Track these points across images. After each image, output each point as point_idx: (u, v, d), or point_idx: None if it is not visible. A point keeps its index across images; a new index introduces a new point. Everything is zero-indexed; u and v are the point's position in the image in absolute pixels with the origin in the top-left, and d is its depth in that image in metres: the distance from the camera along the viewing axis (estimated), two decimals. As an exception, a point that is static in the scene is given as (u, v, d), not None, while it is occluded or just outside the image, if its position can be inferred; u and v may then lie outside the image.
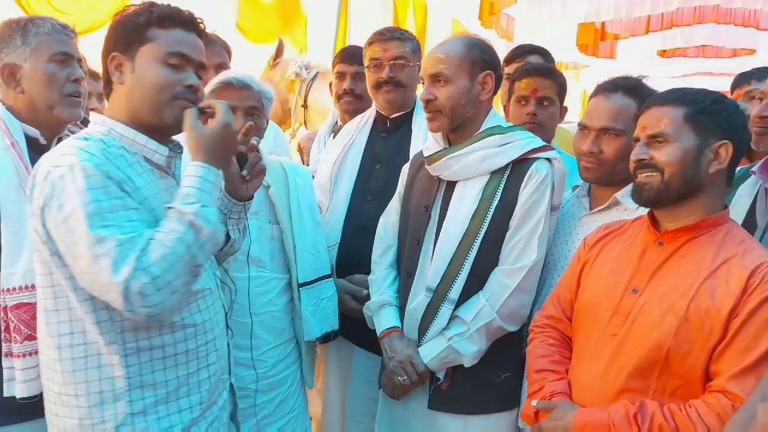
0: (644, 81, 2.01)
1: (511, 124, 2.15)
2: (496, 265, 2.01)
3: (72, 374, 1.50)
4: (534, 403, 1.68)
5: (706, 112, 1.55)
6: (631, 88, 1.97)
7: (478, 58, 2.02)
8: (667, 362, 1.52)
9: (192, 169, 1.54)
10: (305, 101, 3.96)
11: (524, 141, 2.03)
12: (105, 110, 1.62)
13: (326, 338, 2.30)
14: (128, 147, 1.56)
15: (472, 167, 2.02)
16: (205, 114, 1.61)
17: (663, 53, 8.24)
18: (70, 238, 1.40)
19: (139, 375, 1.52)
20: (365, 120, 2.64)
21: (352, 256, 2.40)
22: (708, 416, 1.43)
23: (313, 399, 2.50)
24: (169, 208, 1.50)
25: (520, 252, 1.98)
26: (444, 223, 2.04)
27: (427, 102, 2.03)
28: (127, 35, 1.56)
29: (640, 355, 1.54)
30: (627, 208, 1.96)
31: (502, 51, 7.31)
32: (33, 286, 1.67)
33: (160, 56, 1.55)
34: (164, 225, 1.47)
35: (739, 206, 1.92)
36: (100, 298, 1.44)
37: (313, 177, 2.57)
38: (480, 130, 2.05)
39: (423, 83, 2.06)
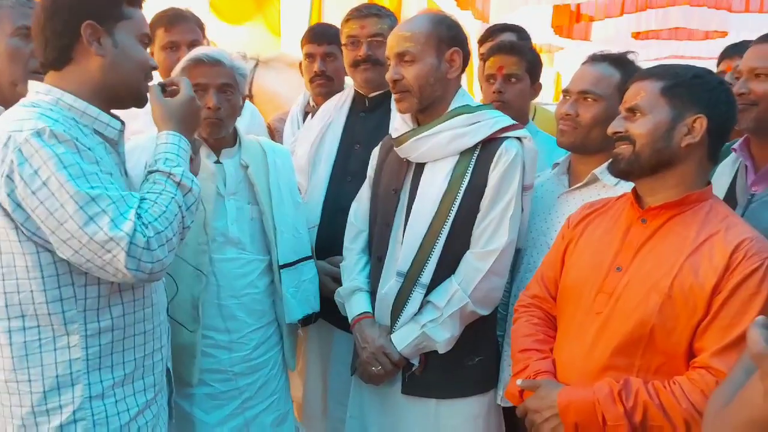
0: (632, 57, 2.01)
1: (480, 104, 2.12)
2: (468, 248, 1.99)
3: (24, 358, 1.45)
4: (519, 382, 1.68)
5: (684, 85, 1.55)
6: (617, 59, 1.99)
7: (445, 35, 1.98)
8: (652, 339, 1.52)
9: (165, 136, 1.57)
10: (250, 91, 3.90)
11: (493, 120, 1.99)
12: (49, 79, 1.53)
13: (307, 321, 2.27)
14: (77, 119, 1.49)
15: (440, 148, 1.98)
16: (166, 91, 1.66)
17: (637, 35, 8.28)
18: (52, 202, 1.35)
19: (98, 357, 1.50)
20: (344, 99, 2.59)
21: (332, 238, 2.37)
22: (692, 393, 1.44)
23: (293, 381, 2.48)
24: (152, 171, 1.50)
25: (492, 234, 1.95)
26: (413, 206, 2.01)
27: (395, 82, 1.98)
28: (104, 7, 1.51)
29: (625, 332, 1.55)
30: (606, 185, 1.97)
31: (477, 32, 7.31)
32: None
33: (137, 35, 1.56)
34: (151, 187, 1.47)
35: (719, 183, 1.93)
36: (86, 264, 1.39)
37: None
38: (448, 110, 2.01)
39: (389, 62, 2.02)
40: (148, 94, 1.62)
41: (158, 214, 1.43)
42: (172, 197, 1.47)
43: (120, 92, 1.56)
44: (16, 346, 1.45)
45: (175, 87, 1.67)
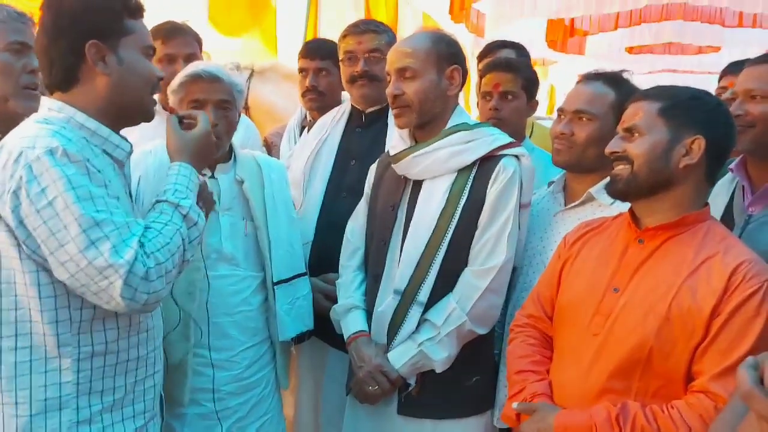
0: (627, 75, 2.00)
1: (478, 121, 2.12)
2: (465, 266, 1.98)
3: (13, 380, 1.41)
4: (515, 405, 1.66)
5: (681, 106, 1.56)
6: (611, 78, 1.99)
7: (445, 52, 1.99)
8: (649, 362, 1.51)
9: (178, 168, 1.58)
10: (246, 103, 3.85)
11: (491, 138, 2.00)
12: (59, 97, 1.51)
13: (300, 338, 2.24)
14: (88, 138, 1.47)
15: (438, 165, 1.98)
16: (183, 123, 1.68)
17: (631, 50, 8.33)
18: (55, 222, 1.33)
19: (89, 381, 1.47)
20: (340, 114, 2.58)
21: (326, 255, 2.34)
22: (690, 417, 1.42)
23: (286, 399, 2.44)
24: (160, 201, 1.50)
25: (490, 252, 1.95)
26: (411, 223, 2.00)
27: (395, 97, 1.98)
28: (105, 23, 1.48)
29: (622, 355, 1.53)
30: (602, 204, 1.96)
31: (471, 46, 7.33)
32: None
33: (141, 48, 1.54)
34: (157, 216, 1.46)
35: (716, 203, 1.93)
36: (81, 288, 1.37)
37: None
38: (446, 127, 2.01)
39: (389, 78, 2.01)
40: (165, 122, 1.64)
41: (162, 245, 1.42)
42: (177, 229, 1.47)
43: (128, 109, 1.55)
44: (6, 367, 1.41)
45: (192, 121, 1.69)
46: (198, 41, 2.76)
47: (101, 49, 1.47)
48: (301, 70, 2.78)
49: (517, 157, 2.00)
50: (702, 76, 9.01)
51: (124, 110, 1.54)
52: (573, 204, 2.04)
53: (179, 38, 2.66)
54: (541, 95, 11.93)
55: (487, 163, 1.97)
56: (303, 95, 2.77)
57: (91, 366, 1.47)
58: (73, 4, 1.47)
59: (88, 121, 1.48)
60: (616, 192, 1.64)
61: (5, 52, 1.77)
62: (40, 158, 1.33)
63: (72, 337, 1.43)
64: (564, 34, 7.53)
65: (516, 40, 3.33)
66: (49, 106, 1.49)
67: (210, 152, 1.72)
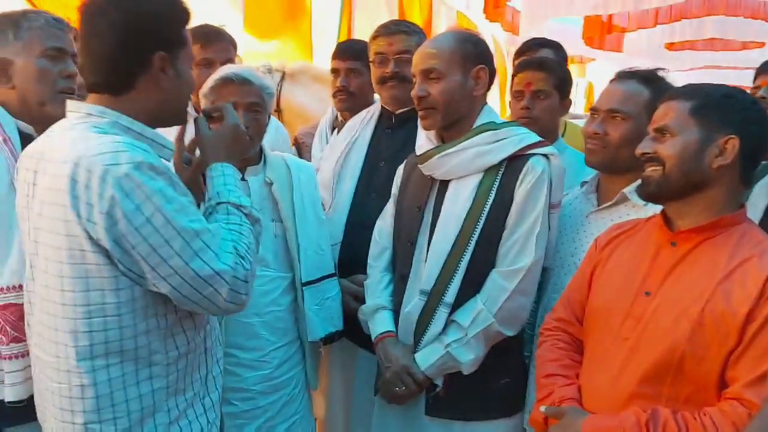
0: (662, 74, 1.96)
1: (505, 121, 2.10)
2: (493, 267, 1.96)
3: (108, 397, 1.40)
4: (543, 409, 1.64)
5: (713, 106, 1.52)
6: (646, 77, 1.95)
7: (471, 52, 1.97)
8: (681, 367, 1.47)
9: (221, 168, 1.57)
10: (278, 105, 3.87)
11: (519, 137, 1.97)
12: (94, 100, 1.47)
13: (330, 339, 2.26)
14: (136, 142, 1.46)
15: (464, 165, 1.97)
16: (212, 118, 1.67)
17: (671, 46, 8.14)
18: (156, 238, 1.33)
19: (176, 382, 1.48)
20: (370, 115, 2.59)
21: (355, 255, 2.35)
22: (723, 424, 1.39)
23: (316, 400, 2.46)
24: (220, 203, 1.50)
25: (518, 253, 1.93)
26: (437, 223, 1.99)
27: (420, 99, 1.97)
28: (172, 35, 1.48)
29: (653, 360, 1.50)
30: (635, 204, 1.92)
31: (506, 44, 7.27)
32: (20, 287, 1.61)
33: (190, 59, 1.54)
34: (228, 218, 1.47)
35: (755, 205, 1.88)
36: (182, 298, 1.38)
37: (316, 173, 2.53)
38: (473, 127, 2.00)
39: (415, 79, 2.01)
40: (192, 120, 1.63)
41: (247, 246, 1.44)
42: (250, 230, 1.48)
43: (170, 116, 1.55)
44: (100, 386, 1.40)
45: (218, 114, 1.68)
46: (234, 46, 2.80)
47: (166, 62, 1.46)
48: (333, 71, 2.80)
49: (546, 156, 1.97)
50: (749, 72, 8.75)
51: (167, 116, 1.55)
52: (606, 204, 2.01)
53: (218, 44, 2.70)
54: (579, 93, 11.80)
55: (515, 162, 1.95)
56: (334, 95, 2.79)
57: (177, 368, 1.48)
58: (147, 13, 1.44)
59: (133, 124, 1.45)
60: (647, 194, 1.61)
61: (42, 58, 1.81)
62: (128, 175, 1.30)
63: (160, 344, 1.44)
64: (601, 31, 7.40)
65: (552, 38, 3.30)
66: (88, 110, 1.45)
67: (244, 144, 1.69)
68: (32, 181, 1.43)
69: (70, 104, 1.49)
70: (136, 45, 1.43)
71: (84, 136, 1.38)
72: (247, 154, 1.74)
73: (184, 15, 1.51)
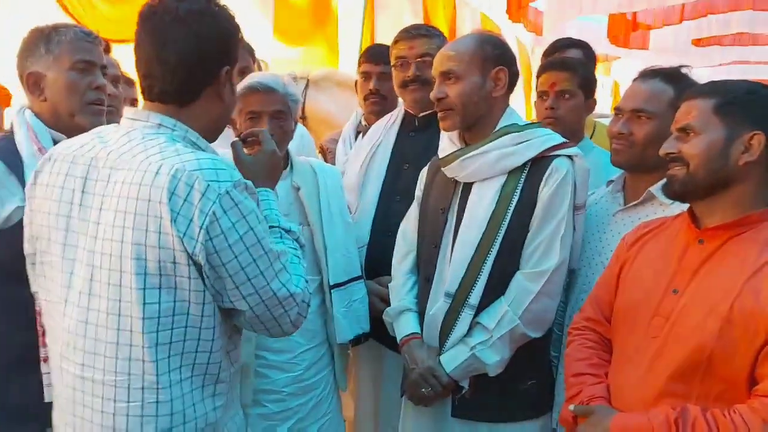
0: (686, 71, 1.95)
1: (529, 122, 2.10)
2: (517, 269, 1.96)
3: (181, 414, 1.38)
4: (572, 407, 1.64)
5: (737, 102, 1.51)
6: (669, 74, 1.94)
7: (490, 53, 1.98)
8: (710, 365, 1.46)
9: (266, 193, 1.63)
10: (303, 113, 3.89)
11: (542, 138, 1.98)
12: (159, 109, 1.45)
13: (357, 341, 2.28)
14: None
15: (488, 167, 1.97)
16: (246, 142, 1.74)
17: (698, 42, 8.02)
18: (246, 257, 1.35)
19: (230, 400, 1.51)
20: (393, 119, 2.61)
21: (380, 258, 2.37)
22: (753, 421, 1.38)
23: (345, 401, 2.49)
24: (272, 227, 1.53)
25: (542, 255, 1.92)
26: (461, 226, 2.00)
27: (438, 100, 2.00)
28: (235, 51, 1.51)
29: (682, 357, 1.49)
30: (662, 203, 1.92)
31: (530, 44, 7.22)
32: None
33: (234, 74, 1.55)
34: (283, 242, 1.52)
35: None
36: (253, 318, 1.40)
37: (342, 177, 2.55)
38: (496, 129, 2.00)
39: (435, 82, 2.03)
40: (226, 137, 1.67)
41: (303, 268, 1.50)
42: (298, 253, 1.53)
43: (220, 130, 1.57)
44: (176, 402, 1.38)
45: (254, 138, 1.74)
46: (251, 54, 2.83)
47: (230, 77, 1.50)
48: (363, 74, 2.82)
49: (570, 157, 1.97)
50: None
51: (219, 130, 1.57)
52: (632, 203, 2.00)
53: None
54: (605, 92, 11.67)
55: (539, 164, 1.95)
56: (365, 98, 2.81)
57: (230, 385, 1.50)
58: (223, 28, 1.47)
59: (199, 140, 1.46)
60: (672, 193, 1.61)
61: (72, 71, 1.86)
62: (229, 192, 1.33)
63: (226, 361, 1.46)
64: (626, 29, 7.32)
65: (576, 37, 3.29)
66: (160, 121, 1.43)
67: (279, 169, 1.77)
68: (81, 188, 1.40)
69: (131, 112, 1.49)
70: (212, 58, 1.45)
71: (172, 148, 1.37)
72: (279, 176, 1.81)
73: (240, 31, 1.54)
